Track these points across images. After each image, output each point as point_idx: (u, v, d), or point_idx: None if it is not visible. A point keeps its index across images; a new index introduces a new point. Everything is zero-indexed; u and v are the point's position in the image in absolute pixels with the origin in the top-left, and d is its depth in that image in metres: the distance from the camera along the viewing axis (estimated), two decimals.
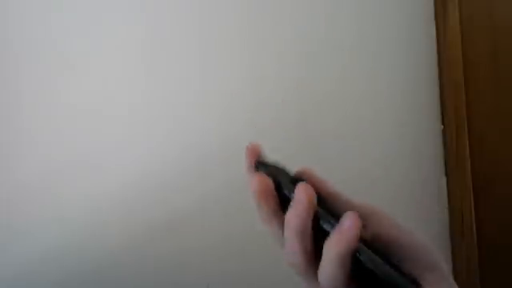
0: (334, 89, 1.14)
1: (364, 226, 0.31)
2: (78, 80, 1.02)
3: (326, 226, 0.30)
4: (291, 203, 0.31)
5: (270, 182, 0.32)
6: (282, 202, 0.32)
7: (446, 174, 1.19)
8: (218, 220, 1.03)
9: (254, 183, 0.32)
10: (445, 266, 0.31)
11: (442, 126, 1.20)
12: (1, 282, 0.93)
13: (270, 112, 1.09)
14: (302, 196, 0.30)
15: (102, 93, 1.03)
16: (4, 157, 0.97)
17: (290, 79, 1.12)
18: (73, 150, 1.00)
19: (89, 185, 1.00)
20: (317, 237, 0.30)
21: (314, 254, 0.30)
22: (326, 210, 0.31)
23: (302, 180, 0.33)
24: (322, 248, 0.29)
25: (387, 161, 1.15)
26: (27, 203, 0.97)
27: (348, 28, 1.17)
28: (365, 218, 0.31)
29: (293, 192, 0.31)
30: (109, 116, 1.02)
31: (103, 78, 1.03)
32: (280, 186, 0.32)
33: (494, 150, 1.17)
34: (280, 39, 1.12)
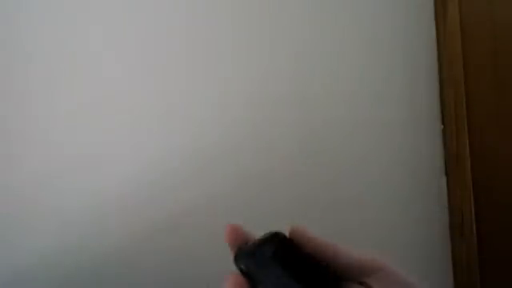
0: (334, 88, 1.14)
1: (367, 284, 0.32)
2: (78, 80, 1.02)
3: None
4: None
5: (243, 283, 0.33)
6: None
7: (446, 174, 1.18)
8: (219, 218, 1.03)
9: (228, 285, 0.33)
10: None
11: (442, 126, 1.20)
12: (0, 281, 0.93)
13: (269, 112, 1.09)
14: None
15: (102, 93, 1.03)
16: (4, 157, 0.97)
17: (290, 79, 1.11)
18: (73, 150, 1.00)
19: (89, 184, 0.99)
20: None
21: None
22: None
23: (293, 242, 0.35)
24: None
25: (387, 160, 1.15)
26: (27, 202, 0.97)
27: (347, 27, 1.17)
28: (370, 273, 0.33)
29: None
30: (108, 116, 1.02)
31: (103, 78, 1.03)
32: (255, 282, 0.33)
33: (494, 149, 1.17)
34: (281, 39, 1.12)
